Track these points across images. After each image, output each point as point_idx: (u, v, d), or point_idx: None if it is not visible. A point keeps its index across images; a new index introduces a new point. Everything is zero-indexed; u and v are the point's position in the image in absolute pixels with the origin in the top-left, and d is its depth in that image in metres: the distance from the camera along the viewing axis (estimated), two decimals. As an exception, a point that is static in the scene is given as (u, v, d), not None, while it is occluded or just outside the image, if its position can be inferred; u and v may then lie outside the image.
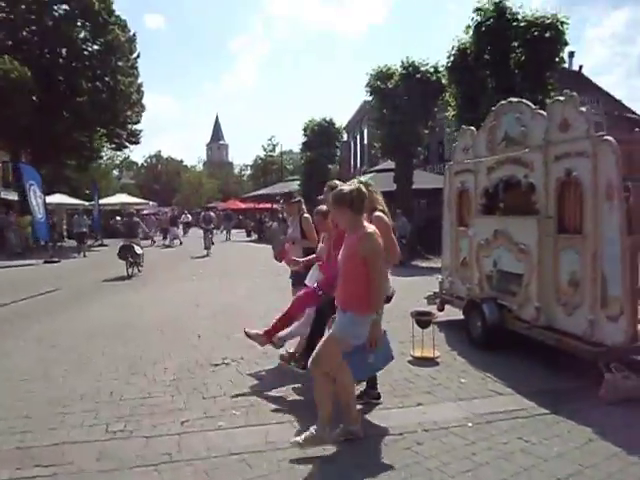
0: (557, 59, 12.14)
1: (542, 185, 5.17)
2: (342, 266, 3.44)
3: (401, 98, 16.38)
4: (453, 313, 6.73)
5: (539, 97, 12.03)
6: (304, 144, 26.59)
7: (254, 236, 31.20)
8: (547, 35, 11.82)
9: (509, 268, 5.69)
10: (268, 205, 37.01)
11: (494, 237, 5.93)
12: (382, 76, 17.13)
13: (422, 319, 5.50)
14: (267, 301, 9.00)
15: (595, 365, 4.32)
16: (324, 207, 4.71)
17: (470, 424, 3.77)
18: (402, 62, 16.82)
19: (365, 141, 36.81)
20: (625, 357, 4.46)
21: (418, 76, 16.16)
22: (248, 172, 78.93)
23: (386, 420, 3.83)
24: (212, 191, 74.20)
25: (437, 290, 7.35)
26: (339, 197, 3.38)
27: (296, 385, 4.69)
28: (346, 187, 3.42)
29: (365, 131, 36.70)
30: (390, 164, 19.90)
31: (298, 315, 4.79)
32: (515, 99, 5.78)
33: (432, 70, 16.45)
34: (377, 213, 4.02)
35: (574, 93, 4.82)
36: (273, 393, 4.51)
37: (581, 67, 26.25)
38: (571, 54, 23.02)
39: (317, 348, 3.42)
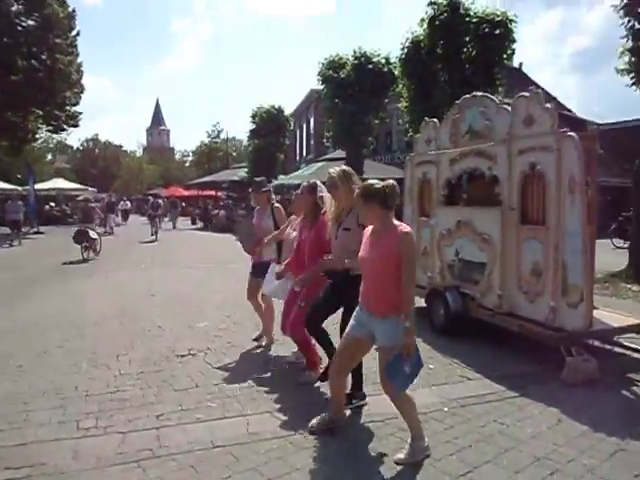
0: (505, 55, 12.57)
1: (506, 177, 5.36)
2: (369, 267, 3.14)
3: (353, 88, 16.48)
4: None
5: (488, 91, 12.44)
6: (252, 131, 26.27)
7: (200, 224, 30.56)
8: (497, 32, 12.23)
9: (472, 257, 5.88)
10: (212, 192, 36.35)
11: (457, 227, 6.10)
12: (334, 65, 17.16)
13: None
14: (222, 290, 8.88)
15: (557, 349, 4.56)
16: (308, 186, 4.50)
17: (446, 409, 3.89)
18: (354, 52, 16.92)
19: (312, 130, 36.80)
20: (582, 341, 4.74)
21: (370, 67, 16.30)
22: (190, 158, 77.05)
23: (366, 408, 3.88)
24: (153, 177, 71.96)
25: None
26: (370, 192, 3.11)
27: (266, 375, 4.68)
28: (376, 181, 3.21)
29: (312, 120, 36.68)
30: (340, 153, 20.02)
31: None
32: (479, 93, 5.96)
33: (384, 61, 16.64)
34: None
35: (539, 90, 5.02)
36: (246, 384, 4.45)
37: (521, 64, 27.40)
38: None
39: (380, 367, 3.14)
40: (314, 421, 3.51)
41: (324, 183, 4.15)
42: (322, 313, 4.00)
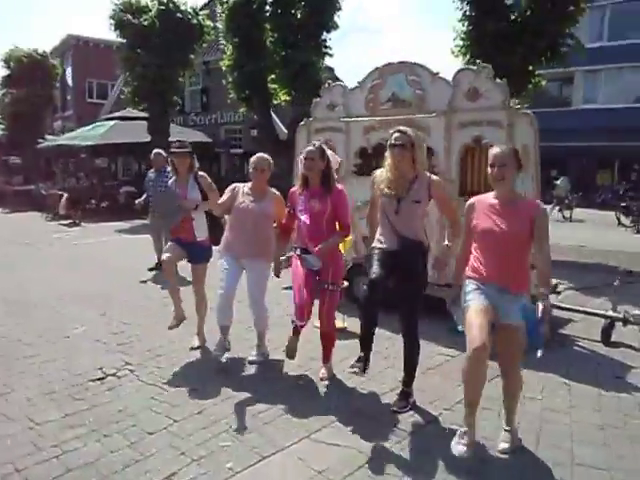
0: (331, 23, 12.62)
1: (443, 149, 5.34)
2: (500, 243, 2.86)
3: (158, 38, 14.58)
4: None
5: (313, 58, 12.42)
6: (6, 79, 21.25)
7: None
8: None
9: (397, 230, 5.77)
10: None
11: (377, 199, 5.90)
12: (131, 9, 14.86)
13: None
14: (48, 279, 7.03)
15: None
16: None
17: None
18: (158, -3, 14.91)
19: (70, 83, 31.71)
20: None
21: (179, 16, 14.62)
22: None
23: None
24: None
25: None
26: (518, 155, 2.91)
27: (260, 389, 3.81)
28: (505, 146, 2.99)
29: (69, 71, 31.58)
30: (132, 112, 17.81)
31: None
32: (410, 61, 5.74)
33: (192, 11, 15.11)
34: (434, 177, 3.52)
35: (487, 65, 5.06)
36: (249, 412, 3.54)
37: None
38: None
39: (514, 353, 2.91)
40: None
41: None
42: (382, 291, 3.31)
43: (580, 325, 5.26)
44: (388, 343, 4.55)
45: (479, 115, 5.06)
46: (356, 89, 6.15)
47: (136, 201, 7.90)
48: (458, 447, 2.75)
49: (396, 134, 3.44)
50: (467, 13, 9.66)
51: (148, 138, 15.45)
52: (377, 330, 3.42)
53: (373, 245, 3.60)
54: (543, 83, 10.08)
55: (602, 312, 4.95)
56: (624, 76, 23.94)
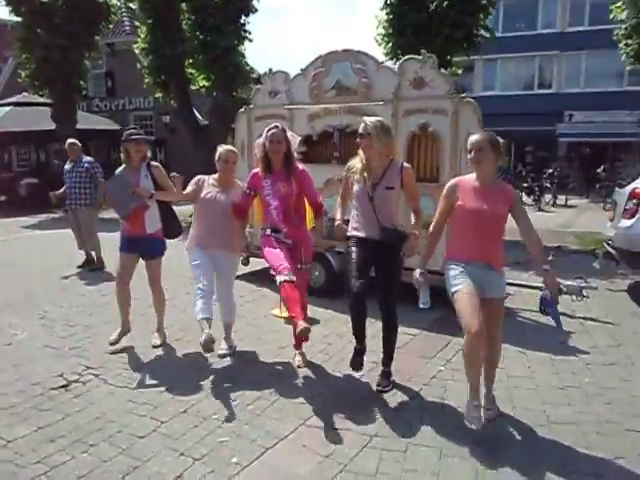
0: (250, 5, 12.36)
1: (390, 137, 5.51)
2: (484, 222, 3.03)
3: (61, 17, 13.44)
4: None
5: (235, 42, 12.11)
6: None
7: None
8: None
9: (346, 215, 5.89)
10: None
11: (325, 186, 5.97)
12: (26, -17, 13.53)
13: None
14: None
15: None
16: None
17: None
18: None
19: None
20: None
21: (83, -7, 13.55)
22: None
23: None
24: None
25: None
26: (497, 142, 3.03)
27: (223, 384, 3.76)
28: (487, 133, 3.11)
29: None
30: (31, 97, 16.43)
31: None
32: (354, 48, 5.82)
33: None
34: (406, 164, 3.66)
35: (432, 55, 5.27)
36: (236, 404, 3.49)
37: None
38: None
39: (498, 323, 3.14)
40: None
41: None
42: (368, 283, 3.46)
43: (518, 298, 5.74)
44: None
45: (425, 103, 5.28)
46: (299, 76, 6.15)
47: (50, 193, 7.38)
48: (473, 420, 2.97)
49: (362, 124, 3.54)
50: (388, 2, 9.95)
51: (51, 125, 14.31)
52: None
53: (349, 234, 3.69)
54: (459, 72, 10.67)
55: (539, 285, 5.42)
56: (517, 65, 25.94)
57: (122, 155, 4.46)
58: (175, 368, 4.03)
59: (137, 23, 13.33)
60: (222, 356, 4.21)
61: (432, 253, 3.36)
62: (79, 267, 7.32)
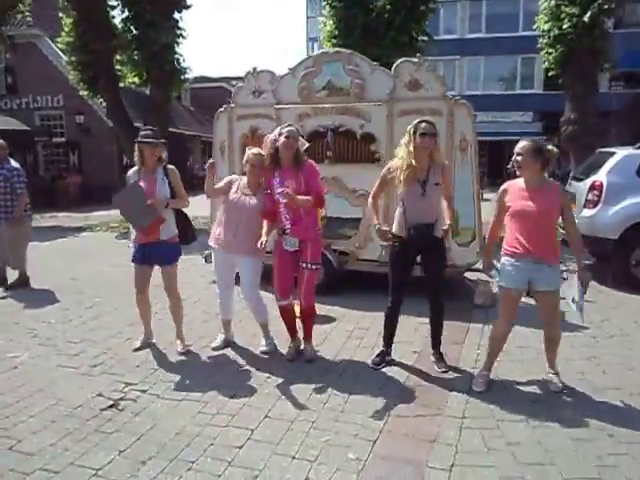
0: (184, 1, 11.95)
1: (385, 136, 5.71)
2: (542, 218, 3.33)
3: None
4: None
5: (168, 38, 11.63)
6: None
7: None
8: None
9: (341, 214, 5.97)
10: None
11: (318, 185, 6.03)
12: None
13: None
14: None
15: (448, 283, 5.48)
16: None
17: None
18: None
19: None
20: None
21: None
22: None
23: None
24: None
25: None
26: (540, 148, 3.35)
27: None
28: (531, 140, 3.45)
29: None
30: None
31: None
32: (347, 50, 5.92)
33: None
34: (446, 162, 3.99)
35: (428, 57, 5.53)
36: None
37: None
38: None
39: (553, 313, 3.50)
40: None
41: None
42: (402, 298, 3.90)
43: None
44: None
45: (420, 104, 5.54)
46: (287, 76, 6.15)
47: None
48: (477, 384, 3.58)
49: (424, 124, 3.71)
50: (333, 4, 10.18)
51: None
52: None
53: (394, 232, 3.85)
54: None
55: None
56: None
57: (135, 156, 4.23)
58: (221, 373, 3.91)
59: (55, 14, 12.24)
60: (263, 352, 4.25)
61: (491, 248, 3.78)
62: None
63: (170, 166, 4.28)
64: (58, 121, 18.52)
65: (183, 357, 4.22)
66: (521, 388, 3.60)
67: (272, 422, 3.19)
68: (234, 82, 29.72)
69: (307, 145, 4.12)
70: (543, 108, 23.74)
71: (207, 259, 6.70)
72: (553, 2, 10.19)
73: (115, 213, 4.90)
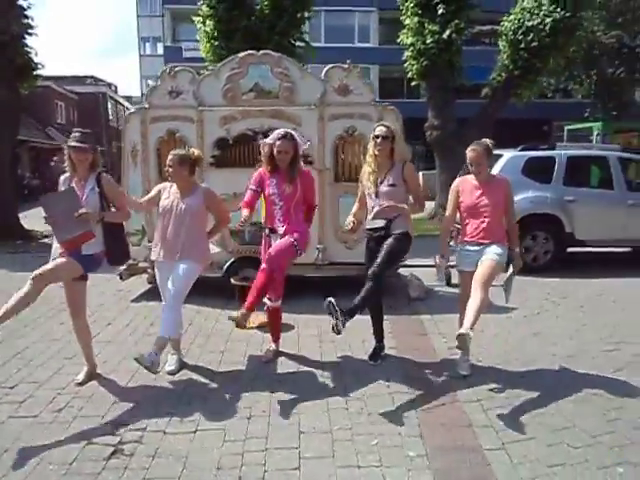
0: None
1: (317, 140, 5.77)
2: (489, 210, 3.74)
3: None
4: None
5: (17, 28, 10.11)
6: None
7: None
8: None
9: (273, 219, 5.90)
10: None
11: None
12: None
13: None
14: None
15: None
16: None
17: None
18: None
19: None
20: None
21: None
22: None
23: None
24: None
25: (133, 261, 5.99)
26: (490, 149, 3.76)
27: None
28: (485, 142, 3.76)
29: None
30: None
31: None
32: (275, 53, 5.79)
33: None
34: (408, 162, 4.06)
35: (359, 65, 5.72)
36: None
37: None
38: None
39: (486, 272, 3.59)
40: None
41: None
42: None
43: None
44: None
45: (351, 109, 5.73)
46: (209, 77, 5.88)
47: None
48: (463, 367, 3.90)
49: (378, 127, 3.95)
50: (212, 4, 9.87)
51: None
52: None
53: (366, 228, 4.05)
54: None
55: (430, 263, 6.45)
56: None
57: (65, 162, 3.68)
58: (214, 396, 3.61)
59: None
60: (170, 372, 3.96)
61: (447, 239, 4.13)
62: None
63: (106, 175, 3.76)
64: None
65: (170, 379, 3.80)
66: (500, 367, 4.01)
67: (310, 436, 3.08)
68: (63, 82, 26.66)
69: (308, 144, 4.10)
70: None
71: (122, 276, 6.06)
72: (416, 19, 11.24)
73: None
